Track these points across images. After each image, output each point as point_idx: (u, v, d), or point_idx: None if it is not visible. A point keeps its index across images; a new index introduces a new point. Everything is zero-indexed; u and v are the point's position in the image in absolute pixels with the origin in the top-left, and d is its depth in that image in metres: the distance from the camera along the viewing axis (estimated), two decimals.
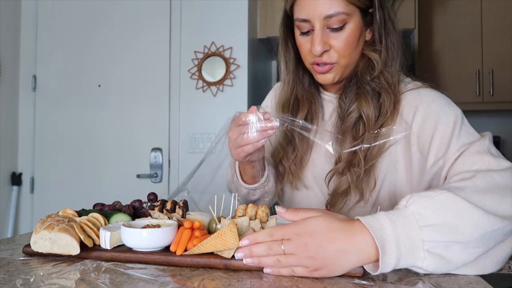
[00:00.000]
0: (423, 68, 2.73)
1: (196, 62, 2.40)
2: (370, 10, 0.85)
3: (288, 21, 0.91)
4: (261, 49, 2.70)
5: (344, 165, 0.87)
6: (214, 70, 2.38)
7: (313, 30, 0.83)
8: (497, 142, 2.87)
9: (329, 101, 0.96)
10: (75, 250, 0.75)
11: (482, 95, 2.69)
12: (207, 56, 2.38)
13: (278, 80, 2.59)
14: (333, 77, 0.87)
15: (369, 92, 0.85)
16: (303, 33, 0.86)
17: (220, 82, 2.35)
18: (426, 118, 0.84)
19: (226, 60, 2.35)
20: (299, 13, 0.83)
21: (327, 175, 0.91)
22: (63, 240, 0.75)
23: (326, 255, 0.60)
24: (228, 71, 2.35)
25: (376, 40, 0.87)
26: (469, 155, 0.77)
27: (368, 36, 0.88)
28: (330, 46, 0.83)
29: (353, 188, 0.86)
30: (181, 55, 2.43)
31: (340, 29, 0.82)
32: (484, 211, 0.62)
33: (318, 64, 0.86)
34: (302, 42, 0.87)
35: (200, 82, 2.39)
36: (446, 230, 0.60)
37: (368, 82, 0.86)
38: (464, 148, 0.78)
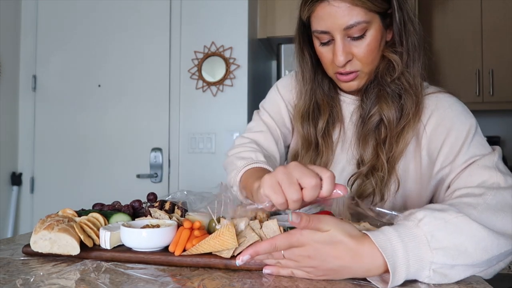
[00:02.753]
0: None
1: (196, 62, 2.40)
2: (389, 11, 0.82)
3: (304, 29, 0.89)
4: (261, 49, 2.70)
5: (367, 169, 0.86)
6: (214, 70, 2.38)
7: (333, 40, 0.81)
8: (497, 142, 2.87)
9: (349, 103, 0.95)
10: (75, 250, 0.75)
11: (482, 95, 2.69)
12: (207, 56, 2.38)
13: (278, 80, 2.55)
14: (358, 84, 0.87)
15: (389, 94, 0.84)
16: (323, 44, 0.84)
17: (220, 82, 2.35)
18: (440, 123, 0.84)
19: (226, 60, 2.35)
20: (317, 25, 0.82)
21: (350, 178, 0.89)
22: (63, 240, 0.75)
23: (329, 267, 0.59)
24: (228, 71, 2.34)
25: (396, 41, 0.84)
26: (477, 168, 0.75)
27: (388, 36, 0.86)
28: (353, 55, 0.82)
29: (377, 192, 0.85)
30: (181, 55, 2.43)
31: (361, 37, 0.80)
32: (496, 235, 0.61)
33: (341, 73, 0.85)
34: (323, 52, 0.85)
35: (200, 82, 2.39)
36: (456, 254, 0.59)
37: (389, 84, 0.84)
38: (473, 160, 0.76)
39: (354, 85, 0.86)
